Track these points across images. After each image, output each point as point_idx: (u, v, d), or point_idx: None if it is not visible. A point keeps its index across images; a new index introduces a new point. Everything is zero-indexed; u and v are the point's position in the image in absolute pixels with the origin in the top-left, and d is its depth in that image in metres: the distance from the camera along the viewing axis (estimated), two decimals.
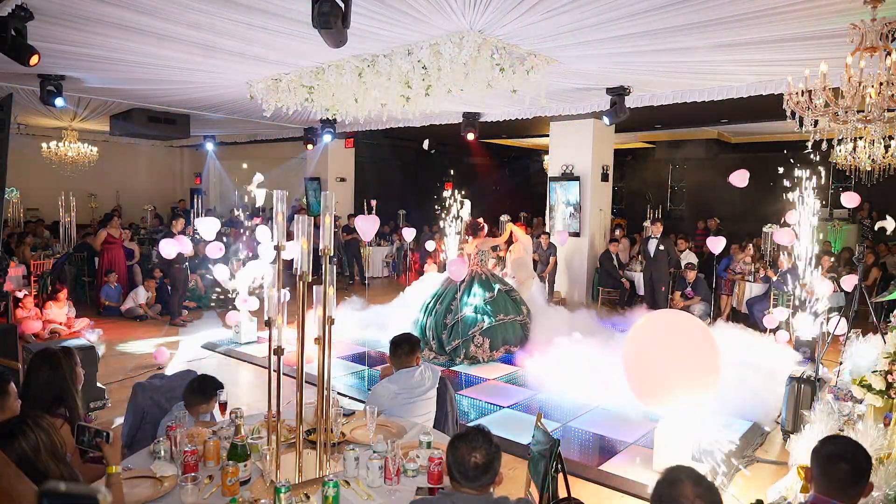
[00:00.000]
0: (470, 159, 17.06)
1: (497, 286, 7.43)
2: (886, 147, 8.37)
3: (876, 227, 6.44)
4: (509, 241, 8.61)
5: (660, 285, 9.42)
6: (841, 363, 4.43)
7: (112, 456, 2.20)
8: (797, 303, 6.70)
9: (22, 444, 1.98)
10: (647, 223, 12.03)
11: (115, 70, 7.07)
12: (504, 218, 13.31)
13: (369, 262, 13.57)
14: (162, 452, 2.64)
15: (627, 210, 16.95)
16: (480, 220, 7.95)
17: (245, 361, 7.18)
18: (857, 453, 2.13)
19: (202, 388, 3.30)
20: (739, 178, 7.76)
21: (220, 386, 3.35)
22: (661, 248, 9.47)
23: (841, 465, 2.09)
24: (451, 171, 16.43)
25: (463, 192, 8.84)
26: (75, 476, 2.21)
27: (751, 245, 10.02)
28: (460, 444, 2.11)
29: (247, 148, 16.00)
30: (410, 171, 16.95)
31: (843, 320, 5.41)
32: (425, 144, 9.73)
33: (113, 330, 8.34)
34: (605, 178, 10.61)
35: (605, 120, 8.04)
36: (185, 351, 7.46)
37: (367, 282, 12.69)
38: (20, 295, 7.22)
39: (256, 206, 7.81)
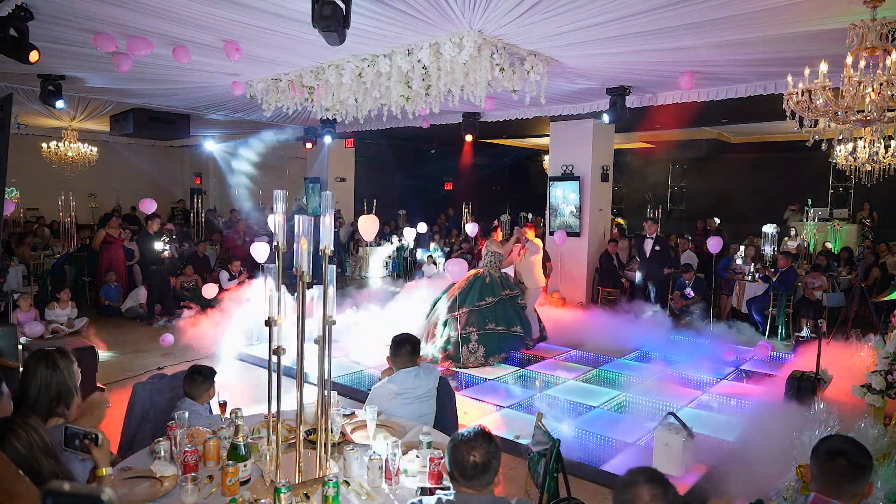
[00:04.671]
0: (470, 159, 17.06)
1: (502, 292, 7.14)
2: (886, 147, 8.36)
3: None
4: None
5: (655, 286, 9.43)
6: None
7: (101, 458, 2.16)
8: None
9: (15, 444, 1.95)
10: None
11: (115, 70, 7.07)
12: (504, 218, 13.33)
13: (369, 262, 13.57)
14: (162, 452, 2.64)
15: (627, 210, 16.97)
16: (496, 221, 7.81)
17: (245, 362, 7.17)
18: (855, 449, 2.13)
19: (202, 372, 3.42)
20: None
21: (214, 371, 3.49)
22: (657, 248, 9.46)
23: (838, 461, 2.09)
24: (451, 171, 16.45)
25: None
26: (69, 474, 2.18)
27: (742, 246, 9.98)
28: (459, 443, 2.12)
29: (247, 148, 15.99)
30: (410, 171, 16.97)
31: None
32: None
33: (113, 329, 8.34)
34: (605, 178, 10.60)
35: (605, 119, 8.05)
36: (185, 351, 7.45)
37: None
38: (15, 296, 7.23)
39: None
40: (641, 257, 9.68)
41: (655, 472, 1.84)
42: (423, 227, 10.59)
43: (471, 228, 9.98)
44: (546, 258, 10.20)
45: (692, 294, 9.26)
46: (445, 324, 7.03)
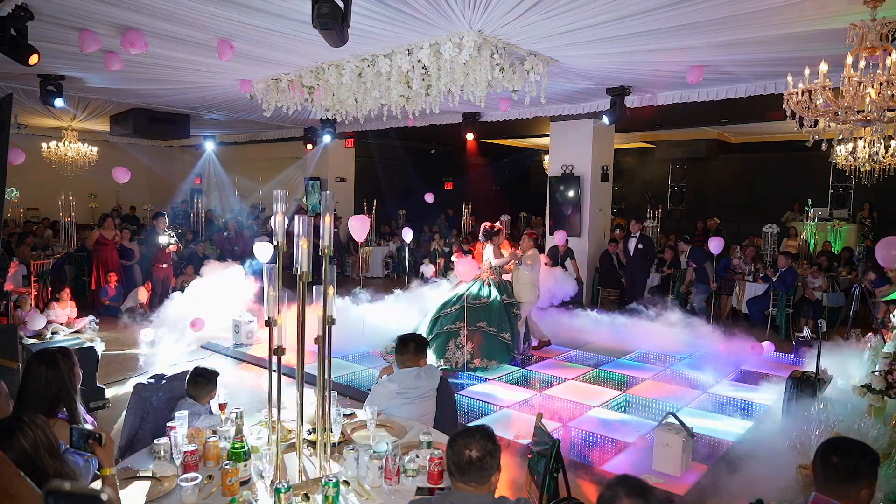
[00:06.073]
0: (470, 159, 17.07)
1: (500, 296, 6.93)
2: (886, 147, 8.37)
3: None
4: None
5: (639, 284, 9.58)
6: None
7: (105, 458, 2.17)
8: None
9: (22, 442, 1.97)
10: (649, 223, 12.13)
11: (117, 70, 7.07)
12: (504, 218, 13.30)
13: (368, 263, 13.57)
14: (162, 452, 2.64)
15: (627, 210, 16.98)
16: (498, 223, 7.53)
17: (245, 361, 7.17)
18: (851, 448, 2.12)
19: (204, 374, 3.44)
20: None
21: (216, 372, 3.52)
22: (640, 246, 9.60)
23: (832, 458, 2.09)
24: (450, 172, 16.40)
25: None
26: (73, 474, 2.19)
27: (738, 247, 10.00)
28: (458, 439, 2.13)
29: (247, 148, 16.00)
30: (411, 171, 16.97)
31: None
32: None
33: (113, 330, 8.33)
34: (605, 178, 10.60)
35: (605, 120, 8.05)
36: (185, 351, 7.45)
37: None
38: (14, 297, 7.23)
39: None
40: (627, 256, 9.88)
41: (636, 483, 1.79)
42: (408, 235, 10.66)
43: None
44: (570, 255, 10.10)
45: (693, 264, 9.33)
46: (436, 321, 6.94)
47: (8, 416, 2.36)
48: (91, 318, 7.79)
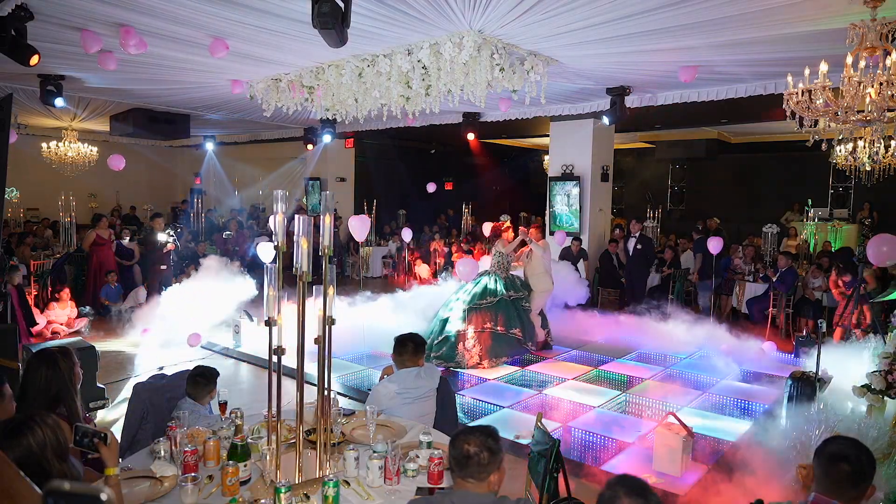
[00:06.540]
0: (470, 159, 17.06)
1: (506, 293, 7.03)
2: (886, 147, 8.37)
3: None
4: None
5: (638, 284, 9.66)
6: None
7: (110, 457, 2.18)
8: None
9: (30, 441, 1.97)
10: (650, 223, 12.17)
11: (115, 70, 7.07)
12: (504, 217, 13.31)
13: (368, 263, 13.57)
14: (162, 452, 2.64)
15: (627, 210, 16.97)
16: (507, 221, 7.66)
17: (245, 361, 7.17)
18: (859, 454, 2.12)
19: (204, 374, 3.46)
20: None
21: (217, 372, 3.53)
22: (639, 246, 9.64)
23: (842, 466, 2.09)
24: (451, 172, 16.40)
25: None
26: (77, 475, 2.19)
27: (739, 247, 10.00)
28: (460, 435, 2.17)
29: (247, 148, 15.99)
30: (411, 171, 16.99)
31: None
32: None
33: (113, 329, 8.34)
34: (605, 178, 10.60)
35: (605, 120, 8.04)
36: (185, 351, 7.45)
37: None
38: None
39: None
40: (626, 256, 9.95)
41: (635, 483, 1.79)
42: (407, 235, 10.80)
43: (487, 229, 9.96)
44: (583, 256, 10.12)
45: (694, 258, 9.48)
46: (445, 322, 7.00)
47: (14, 416, 2.36)
48: (87, 309, 7.79)
